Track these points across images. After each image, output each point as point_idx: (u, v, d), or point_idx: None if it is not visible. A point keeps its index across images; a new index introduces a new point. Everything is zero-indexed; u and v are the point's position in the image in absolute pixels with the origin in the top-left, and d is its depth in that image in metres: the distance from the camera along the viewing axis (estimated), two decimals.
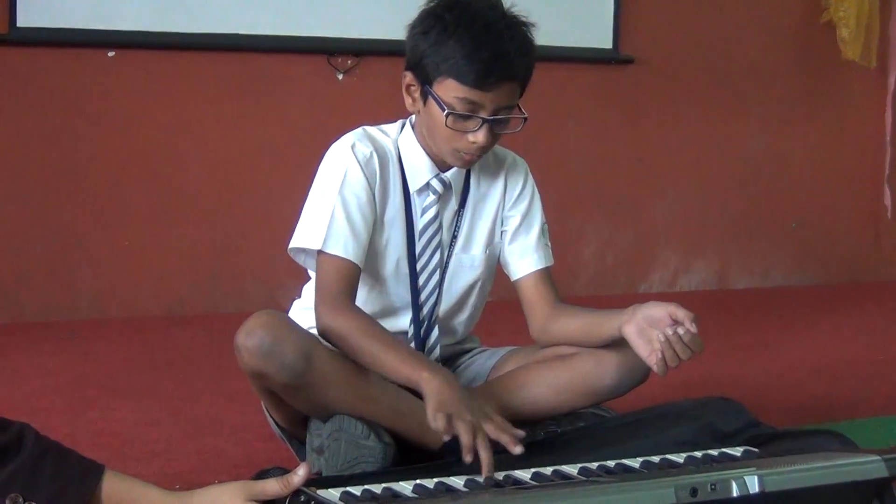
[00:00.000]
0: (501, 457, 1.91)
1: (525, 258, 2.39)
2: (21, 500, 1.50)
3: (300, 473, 1.64)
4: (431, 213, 2.32)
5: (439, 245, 2.34)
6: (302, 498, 1.64)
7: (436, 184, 2.31)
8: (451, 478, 1.82)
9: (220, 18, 4.24)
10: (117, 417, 2.85)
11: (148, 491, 1.65)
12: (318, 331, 2.19)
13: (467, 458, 1.86)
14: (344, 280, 2.19)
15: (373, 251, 2.27)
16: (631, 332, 2.13)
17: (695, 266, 5.21)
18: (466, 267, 2.38)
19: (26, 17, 4.00)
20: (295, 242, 2.26)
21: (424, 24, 2.20)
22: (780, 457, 1.97)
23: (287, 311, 2.40)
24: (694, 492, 1.69)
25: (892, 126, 5.55)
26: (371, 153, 2.26)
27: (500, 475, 1.84)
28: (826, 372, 3.52)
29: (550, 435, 2.26)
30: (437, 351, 2.35)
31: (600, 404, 2.39)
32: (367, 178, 2.24)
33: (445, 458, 2.03)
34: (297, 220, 2.27)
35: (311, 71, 4.43)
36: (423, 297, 2.33)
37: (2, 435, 1.57)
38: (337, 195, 2.21)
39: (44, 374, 3.31)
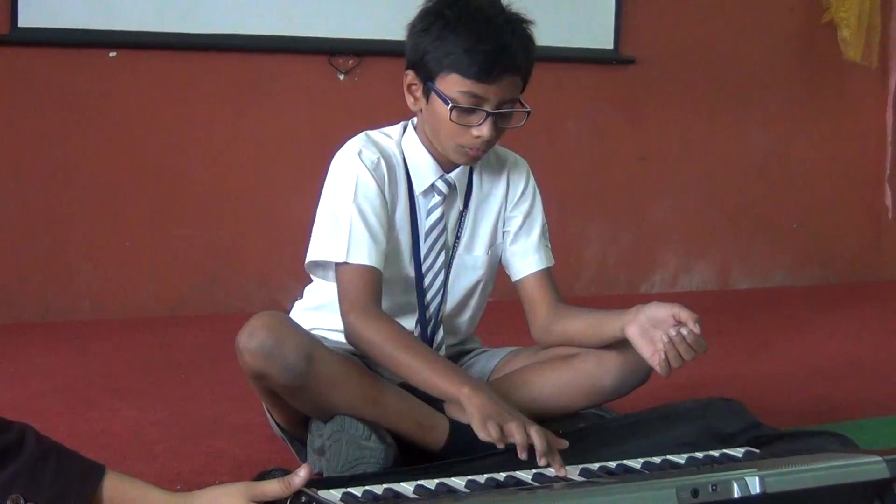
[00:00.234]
0: (503, 457, 1.92)
1: (526, 258, 2.39)
2: (22, 500, 1.50)
3: (301, 474, 1.64)
4: (437, 214, 2.32)
5: (444, 246, 2.34)
6: (303, 499, 1.64)
7: (441, 185, 2.31)
8: (453, 478, 1.82)
9: (220, 19, 4.24)
10: (118, 418, 2.85)
11: (149, 491, 1.65)
12: (347, 338, 2.18)
13: (523, 455, 1.88)
14: (370, 287, 2.18)
15: None
16: (634, 332, 2.13)
17: (696, 266, 5.21)
18: (469, 267, 2.38)
19: (27, 18, 3.99)
20: (314, 256, 2.25)
21: (425, 22, 2.21)
22: (782, 457, 1.97)
23: (288, 312, 2.40)
24: (695, 493, 1.69)
25: (893, 126, 5.55)
26: (378, 158, 2.26)
27: (500, 475, 1.85)
28: (827, 372, 3.51)
29: None
30: (442, 351, 2.36)
31: (601, 405, 2.39)
32: (377, 184, 2.24)
33: (447, 458, 2.04)
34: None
35: (312, 71, 4.43)
36: (428, 297, 2.33)
37: (3, 436, 1.57)
38: (352, 205, 2.21)
39: (44, 375, 3.30)
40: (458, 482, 1.81)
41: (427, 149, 2.30)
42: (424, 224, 2.32)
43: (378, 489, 1.73)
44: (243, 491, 1.63)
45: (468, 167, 2.34)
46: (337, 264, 2.21)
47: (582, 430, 2.27)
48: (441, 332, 2.36)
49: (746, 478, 1.73)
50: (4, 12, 3.97)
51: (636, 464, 1.92)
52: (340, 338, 2.23)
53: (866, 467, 1.83)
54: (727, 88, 5.18)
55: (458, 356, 2.48)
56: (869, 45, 5.29)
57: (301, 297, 2.47)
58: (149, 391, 3.13)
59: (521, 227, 2.40)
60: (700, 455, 1.98)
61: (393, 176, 2.28)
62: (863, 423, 2.86)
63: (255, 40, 4.30)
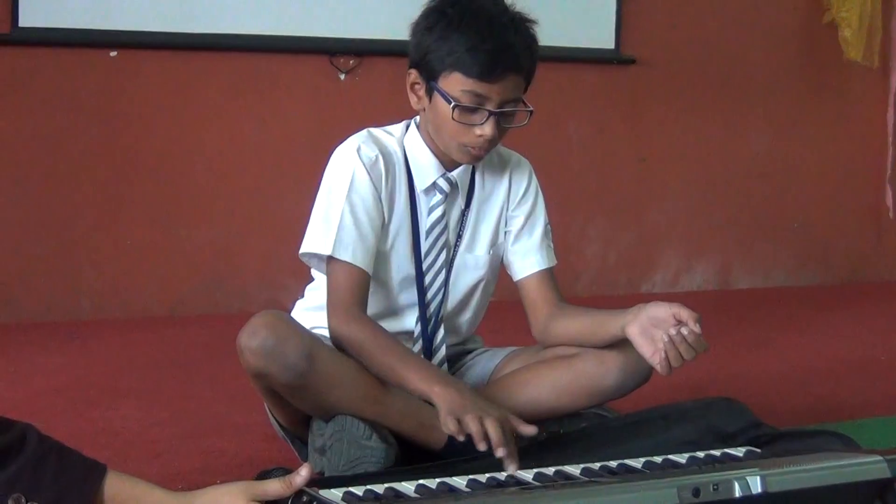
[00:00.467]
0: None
1: (528, 258, 2.39)
2: (24, 500, 1.50)
3: (302, 474, 1.64)
4: (438, 212, 2.32)
5: (445, 244, 2.34)
6: (304, 498, 1.64)
7: (442, 183, 2.31)
8: (454, 478, 1.81)
9: (221, 19, 4.24)
10: (119, 417, 2.85)
11: (150, 491, 1.65)
12: (332, 339, 2.19)
13: (481, 446, 1.88)
14: (355, 289, 2.20)
15: (380, 251, 2.27)
16: (634, 332, 2.13)
17: (697, 266, 5.21)
18: (471, 267, 2.38)
19: (28, 17, 3.99)
20: (305, 247, 2.26)
21: (428, 21, 2.21)
22: (783, 457, 1.97)
23: (289, 312, 2.40)
24: (696, 492, 1.69)
25: (894, 126, 5.55)
26: (377, 156, 2.26)
27: (501, 475, 1.85)
28: (828, 372, 3.51)
29: (553, 435, 2.26)
30: (443, 350, 2.36)
31: (603, 405, 2.39)
32: (373, 182, 2.24)
33: (448, 458, 2.04)
34: (303, 222, 2.27)
35: (313, 71, 4.43)
36: (429, 296, 2.33)
37: (4, 435, 1.57)
38: (345, 200, 2.22)
39: (46, 374, 3.31)
40: (460, 481, 1.81)
41: (429, 147, 2.30)
42: (425, 222, 2.32)
43: (379, 488, 1.73)
44: (244, 490, 1.63)
45: (470, 166, 2.34)
46: (328, 259, 2.21)
47: (583, 430, 2.27)
48: (441, 331, 2.36)
49: (748, 477, 1.73)
50: (5, 12, 3.97)
51: (637, 463, 1.92)
52: None
53: (867, 467, 1.83)
54: (728, 88, 5.18)
55: (459, 356, 2.48)
56: (870, 45, 5.29)
57: (302, 296, 2.47)
58: (150, 391, 3.13)
59: (522, 227, 2.40)
60: (701, 454, 1.98)
61: (392, 173, 2.29)
62: (864, 422, 2.86)
63: (256, 40, 4.30)
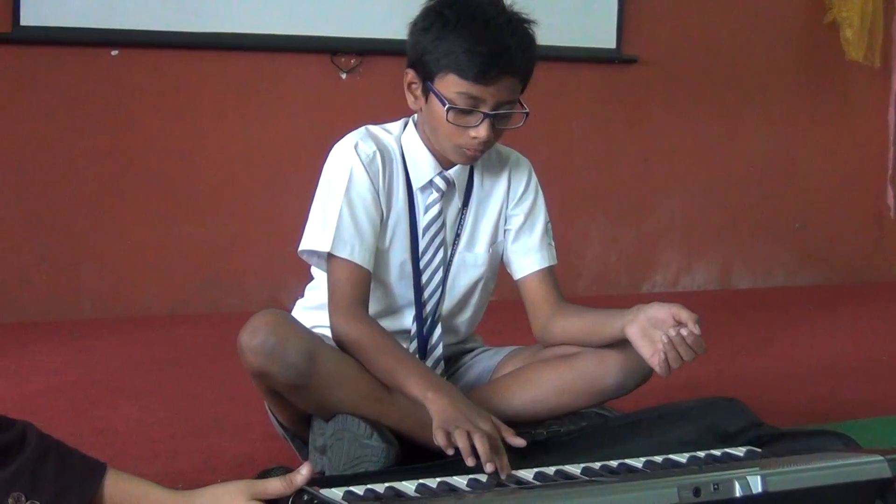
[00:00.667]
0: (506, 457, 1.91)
1: (528, 257, 2.39)
2: (24, 498, 1.50)
3: (303, 472, 1.64)
4: (434, 210, 2.32)
5: (442, 243, 2.33)
6: (305, 497, 1.64)
7: (439, 181, 2.31)
8: (455, 477, 1.82)
9: (223, 18, 4.24)
10: (120, 417, 2.85)
11: (151, 490, 1.65)
12: (333, 338, 2.19)
13: (469, 462, 1.87)
14: (356, 287, 2.20)
15: (379, 249, 2.27)
16: (634, 332, 2.13)
17: (698, 266, 5.21)
18: (470, 265, 2.38)
19: (29, 16, 3.99)
20: (304, 245, 2.26)
21: (425, 21, 2.21)
22: (783, 457, 1.97)
23: (290, 311, 2.40)
24: (697, 492, 1.69)
25: None
26: (374, 152, 2.26)
27: (502, 475, 1.84)
28: (829, 372, 3.51)
29: (553, 435, 2.26)
30: (439, 349, 2.35)
31: (603, 404, 2.39)
32: (371, 178, 2.24)
33: (449, 457, 2.03)
34: (304, 221, 2.27)
35: (315, 70, 4.43)
36: (426, 294, 2.33)
37: (4, 434, 1.57)
38: (343, 196, 2.22)
39: (46, 374, 3.31)
40: (460, 481, 1.81)
41: (426, 145, 2.30)
42: (422, 220, 2.32)
43: (380, 488, 1.73)
44: (245, 489, 1.63)
45: (468, 165, 2.34)
46: (327, 256, 2.21)
47: (584, 429, 2.27)
48: (438, 330, 2.35)
49: (748, 477, 1.73)
50: (6, 11, 3.97)
51: (638, 463, 1.92)
52: None
53: (868, 466, 1.84)
54: (729, 88, 5.18)
55: (459, 355, 2.48)
56: (871, 45, 5.29)
57: (302, 295, 2.47)
58: (150, 390, 3.13)
59: (522, 226, 2.39)
60: (702, 454, 1.98)
61: (389, 170, 2.29)
62: (864, 422, 2.86)
63: (258, 39, 4.30)
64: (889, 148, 5.56)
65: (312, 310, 2.37)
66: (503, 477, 1.85)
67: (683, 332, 2.06)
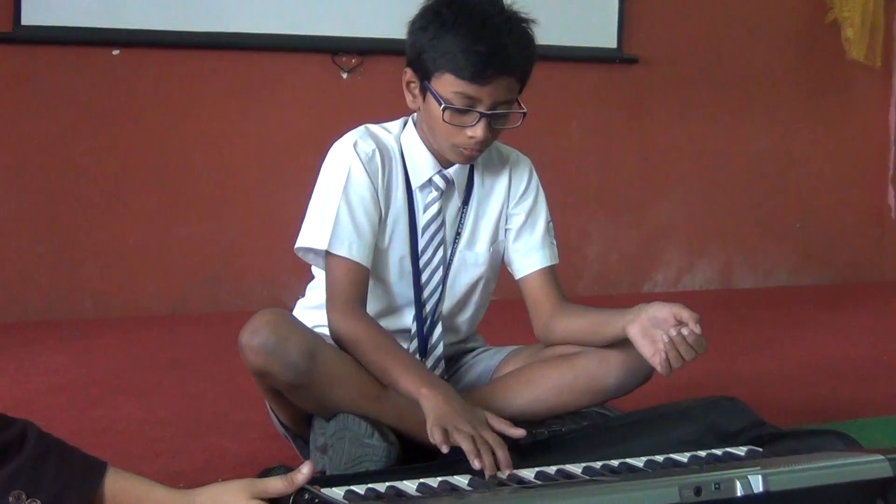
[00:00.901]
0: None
1: (529, 256, 2.38)
2: (24, 497, 1.50)
3: (304, 472, 1.64)
4: (434, 209, 2.31)
5: (442, 242, 2.33)
6: (306, 496, 1.63)
7: (438, 180, 2.31)
8: (456, 476, 1.82)
9: (224, 17, 4.24)
10: (120, 416, 2.85)
11: (151, 488, 1.65)
12: (331, 335, 2.19)
13: (476, 465, 1.86)
14: (354, 285, 2.20)
15: (376, 248, 2.27)
16: (635, 332, 2.13)
17: (699, 266, 5.21)
18: (470, 264, 2.37)
19: (30, 16, 4.00)
20: (301, 242, 2.26)
21: (423, 20, 2.20)
22: (784, 456, 1.97)
23: (291, 310, 2.40)
24: (698, 491, 1.69)
25: None
26: (373, 151, 2.26)
27: (503, 475, 1.84)
28: (830, 371, 3.51)
29: (554, 434, 2.26)
30: (439, 348, 2.35)
31: (604, 404, 2.39)
32: (369, 177, 2.24)
33: (450, 457, 2.03)
34: (303, 219, 2.27)
35: (316, 70, 4.43)
36: (426, 294, 2.33)
37: (4, 433, 1.57)
38: (341, 194, 2.22)
39: (47, 373, 3.31)
40: (461, 480, 1.81)
41: (426, 145, 2.30)
42: (421, 219, 2.32)
43: (381, 487, 1.73)
44: (246, 488, 1.63)
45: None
46: (325, 254, 2.21)
47: (585, 429, 2.27)
48: (439, 329, 2.35)
49: (749, 476, 1.73)
50: (8, 11, 3.97)
51: (639, 462, 1.92)
52: None
53: (869, 466, 1.84)
54: (730, 87, 5.18)
55: (460, 355, 2.48)
56: (872, 45, 5.29)
57: (303, 295, 2.47)
58: (151, 389, 3.13)
59: (523, 224, 2.39)
60: (703, 454, 1.98)
61: (388, 169, 2.28)
62: (865, 422, 2.86)
63: (259, 39, 4.30)
64: (890, 148, 5.56)
65: (313, 309, 2.37)
66: (505, 474, 1.85)
67: (684, 331, 2.06)
